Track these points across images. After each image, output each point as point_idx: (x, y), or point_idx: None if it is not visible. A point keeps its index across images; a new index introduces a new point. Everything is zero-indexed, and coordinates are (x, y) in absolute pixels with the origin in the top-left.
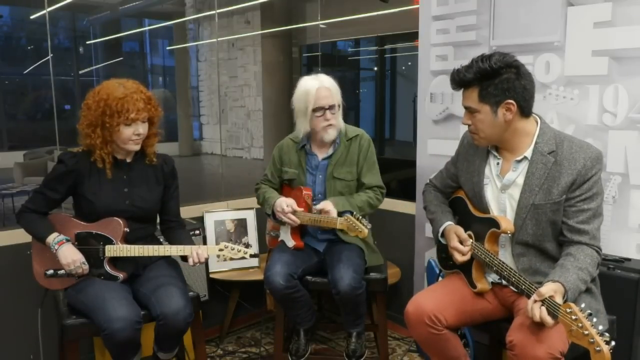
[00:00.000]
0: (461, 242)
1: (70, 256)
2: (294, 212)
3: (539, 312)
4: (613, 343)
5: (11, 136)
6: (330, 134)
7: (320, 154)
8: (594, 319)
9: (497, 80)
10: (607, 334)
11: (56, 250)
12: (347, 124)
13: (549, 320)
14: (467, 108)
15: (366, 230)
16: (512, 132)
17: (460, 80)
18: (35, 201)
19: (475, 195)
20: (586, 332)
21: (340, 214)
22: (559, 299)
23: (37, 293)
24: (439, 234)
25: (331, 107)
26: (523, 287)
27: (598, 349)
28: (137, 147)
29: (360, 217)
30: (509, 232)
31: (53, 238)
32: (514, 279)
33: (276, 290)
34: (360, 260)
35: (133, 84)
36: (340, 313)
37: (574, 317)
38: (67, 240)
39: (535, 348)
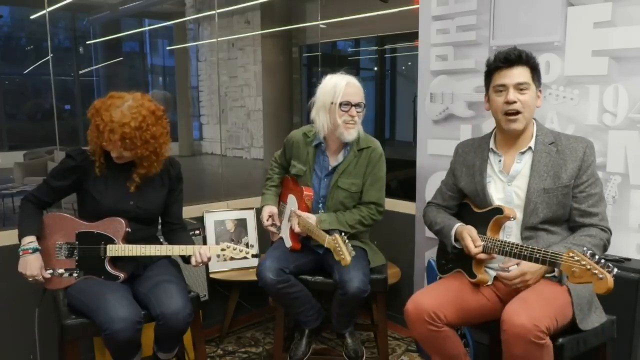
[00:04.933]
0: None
1: (23, 267)
2: (297, 216)
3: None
4: (616, 270)
5: (11, 136)
6: (352, 134)
7: (332, 160)
8: (596, 256)
9: (538, 69)
10: (610, 265)
11: (20, 255)
12: None
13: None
14: (520, 84)
15: (349, 259)
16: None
17: (517, 56)
18: (40, 190)
19: (479, 193)
20: (589, 267)
21: (328, 232)
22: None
23: (37, 293)
24: (452, 239)
25: (357, 105)
26: (526, 253)
27: (601, 276)
28: (118, 162)
29: (347, 241)
30: (512, 217)
31: (24, 242)
32: (516, 250)
33: (267, 285)
34: (366, 262)
35: (132, 112)
36: (333, 314)
37: (576, 259)
38: (34, 251)
39: (522, 317)
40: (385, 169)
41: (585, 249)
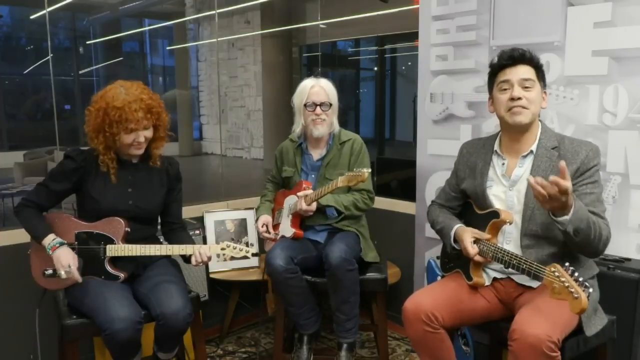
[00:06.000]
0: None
1: (57, 262)
2: (305, 197)
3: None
4: (591, 290)
5: (11, 136)
6: (319, 130)
7: (315, 155)
8: (576, 273)
9: (542, 69)
10: (587, 283)
11: (51, 254)
12: (348, 123)
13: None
14: (525, 80)
15: (366, 174)
16: (531, 124)
17: (520, 55)
18: (38, 194)
19: (479, 196)
20: (567, 284)
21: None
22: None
23: (37, 293)
24: (452, 239)
25: (322, 104)
26: (515, 262)
27: (576, 296)
28: (139, 152)
29: (359, 168)
30: (508, 221)
31: (49, 241)
32: (507, 257)
33: (276, 273)
34: (354, 242)
35: (136, 89)
36: (333, 310)
37: (557, 274)
38: (62, 244)
39: (535, 328)
40: (368, 158)
41: (567, 264)
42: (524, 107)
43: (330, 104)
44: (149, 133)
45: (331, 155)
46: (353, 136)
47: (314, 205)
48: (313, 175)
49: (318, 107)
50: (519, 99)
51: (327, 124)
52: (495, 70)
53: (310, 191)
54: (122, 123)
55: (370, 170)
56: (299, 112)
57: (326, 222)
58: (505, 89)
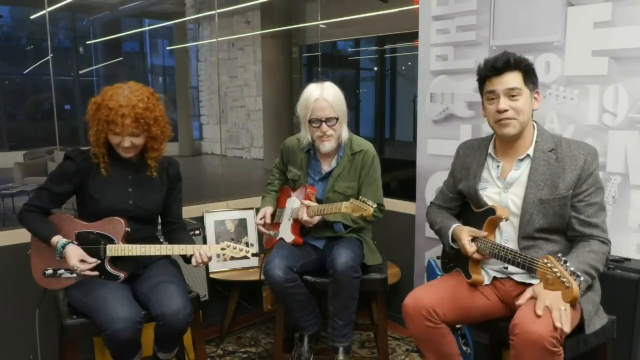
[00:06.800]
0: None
1: (76, 256)
2: (307, 207)
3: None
4: (582, 278)
5: (11, 136)
6: (326, 146)
7: (325, 164)
8: (567, 263)
9: (531, 71)
10: (578, 273)
11: (62, 253)
12: (348, 123)
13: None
14: (511, 90)
15: (371, 209)
16: (524, 131)
17: (505, 62)
18: (40, 198)
19: (472, 197)
20: (559, 274)
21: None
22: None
23: (37, 293)
24: (450, 239)
25: (328, 120)
26: (510, 256)
27: (568, 285)
28: (127, 155)
29: (366, 199)
30: (504, 217)
31: (54, 245)
32: (510, 256)
33: (275, 283)
34: (359, 249)
35: (137, 96)
36: (330, 316)
37: (549, 265)
38: (65, 245)
39: (537, 324)
40: (379, 170)
41: (559, 255)
42: (511, 119)
43: (337, 118)
44: (137, 140)
45: (341, 167)
46: (365, 146)
47: (315, 219)
48: (321, 184)
49: (324, 124)
50: (506, 110)
51: (334, 138)
52: (482, 79)
53: (314, 203)
54: (108, 124)
55: (375, 205)
56: (304, 126)
57: (331, 235)
58: (492, 99)
